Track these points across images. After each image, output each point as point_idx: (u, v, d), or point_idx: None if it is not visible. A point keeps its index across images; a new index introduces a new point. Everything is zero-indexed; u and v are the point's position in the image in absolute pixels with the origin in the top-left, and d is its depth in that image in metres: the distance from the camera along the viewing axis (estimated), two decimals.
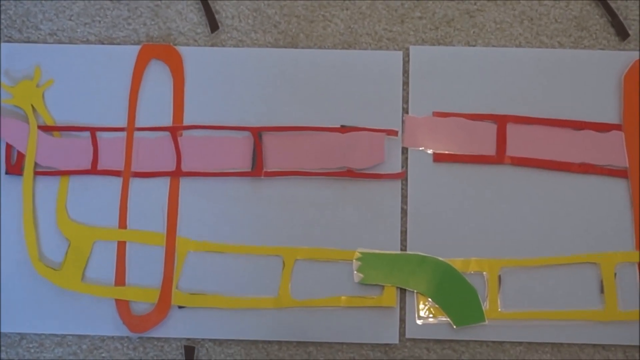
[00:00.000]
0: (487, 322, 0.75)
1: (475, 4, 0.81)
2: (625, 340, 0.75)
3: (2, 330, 0.77)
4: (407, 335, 0.76)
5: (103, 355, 0.77)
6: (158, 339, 0.77)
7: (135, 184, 0.78)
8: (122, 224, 0.78)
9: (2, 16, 0.82)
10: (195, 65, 0.80)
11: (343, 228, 0.77)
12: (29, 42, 0.81)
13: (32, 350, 0.78)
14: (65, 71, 0.80)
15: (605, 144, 0.77)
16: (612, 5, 0.80)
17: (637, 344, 0.75)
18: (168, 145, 0.79)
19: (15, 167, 0.79)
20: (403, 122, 0.79)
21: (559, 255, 0.76)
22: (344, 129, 0.78)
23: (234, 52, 0.80)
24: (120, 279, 0.77)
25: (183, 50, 0.80)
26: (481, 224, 0.77)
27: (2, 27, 0.82)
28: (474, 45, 0.80)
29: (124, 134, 0.79)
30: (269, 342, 0.77)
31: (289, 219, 0.77)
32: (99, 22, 0.82)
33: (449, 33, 0.81)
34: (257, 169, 0.78)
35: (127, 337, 0.77)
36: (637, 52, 0.79)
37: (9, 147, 0.79)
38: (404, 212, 0.77)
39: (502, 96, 0.79)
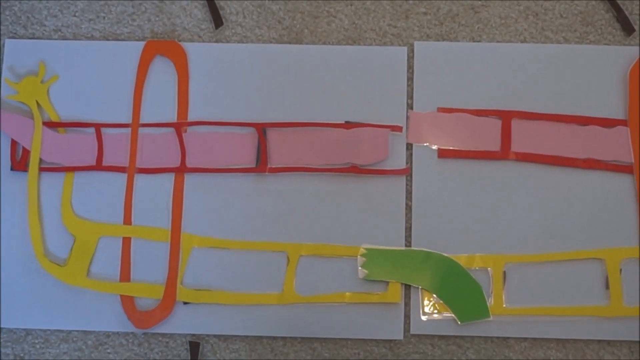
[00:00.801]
0: (491, 318, 0.75)
1: None
2: (630, 335, 0.75)
3: (7, 326, 0.78)
4: (412, 331, 0.76)
5: (108, 351, 0.78)
6: (163, 334, 0.77)
7: (140, 180, 0.79)
8: (127, 220, 0.78)
9: (7, 12, 0.82)
10: (199, 62, 0.80)
11: (347, 224, 0.77)
12: (33, 38, 0.82)
13: (38, 346, 0.78)
14: (70, 67, 0.80)
15: (610, 140, 0.77)
16: (618, 0, 0.80)
17: None
18: (173, 141, 0.79)
19: (20, 164, 0.79)
20: (407, 117, 0.79)
21: (564, 250, 0.76)
22: (348, 124, 0.78)
23: (238, 48, 0.80)
24: (125, 275, 0.77)
25: (187, 46, 0.80)
26: (486, 219, 0.77)
27: (7, 23, 0.82)
28: (478, 41, 0.80)
29: (128, 130, 0.79)
30: (274, 338, 0.77)
31: (293, 215, 0.77)
32: (104, 18, 0.82)
33: (454, 29, 0.81)
34: (261, 164, 0.78)
35: (132, 332, 0.77)
36: None
37: (14, 143, 0.79)
38: (408, 208, 0.77)
39: (506, 92, 0.78)
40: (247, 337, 0.77)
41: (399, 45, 0.80)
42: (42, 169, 0.79)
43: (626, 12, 0.80)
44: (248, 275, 0.77)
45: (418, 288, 0.76)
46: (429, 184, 0.77)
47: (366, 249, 0.76)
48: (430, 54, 0.79)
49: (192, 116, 0.79)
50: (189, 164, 0.78)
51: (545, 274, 0.76)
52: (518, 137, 0.77)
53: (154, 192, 0.78)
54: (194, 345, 0.76)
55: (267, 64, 0.80)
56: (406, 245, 0.77)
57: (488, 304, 0.75)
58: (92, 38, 0.82)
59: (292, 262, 0.77)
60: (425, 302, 0.76)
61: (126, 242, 0.78)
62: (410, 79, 0.79)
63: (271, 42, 0.81)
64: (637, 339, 0.75)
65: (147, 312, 0.76)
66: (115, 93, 0.80)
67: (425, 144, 0.78)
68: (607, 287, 0.75)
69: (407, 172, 0.78)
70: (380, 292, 0.76)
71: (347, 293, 0.76)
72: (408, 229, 0.77)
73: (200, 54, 0.80)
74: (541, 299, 0.75)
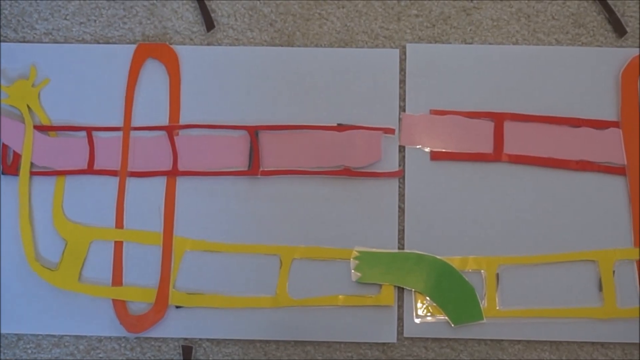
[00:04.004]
0: (485, 320, 0.75)
1: (471, 1, 0.81)
2: (624, 337, 0.75)
3: None
4: (405, 334, 0.76)
5: (100, 355, 0.77)
6: (155, 339, 0.77)
7: (132, 183, 0.78)
8: (119, 224, 0.78)
9: None
10: (191, 64, 0.80)
11: (340, 227, 0.77)
12: (24, 41, 0.81)
13: (30, 351, 0.78)
14: (61, 71, 0.80)
15: (603, 141, 0.77)
16: (610, 2, 0.80)
17: (636, 341, 0.75)
18: (164, 144, 0.79)
19: (11, 167, 0.78)
20: (400, 120, 0.78)
21: (557, 252, 0.76)
22: (341, 127, 0.78)
23: (230, 51, 0.80)
24: (117, 279, 0.77)
25: (179, 49, 0.80)
26: (479, 222, 0.77)
27: None
28: (470, 43, 0.80)
29: (120, 134, 0.79)
30: (267, 341, 0.77)
31: (286, 218, 0.77)
32: (95, 21, 0.82)
33: (446, 31, 0.80)
34: (254, 167, 0.78)
35: (124, 337, 0.77)
36: (635, 49, 0.79)
37: (5, 147, 0.79)
38: (401, 210, 0.77)
39: (499, 94, 0.78)
40: (240, 340, 0.77)
41: (391, 47, 0.80)
42: (33, 173, 0.78)
43: (618, 14, 0.80)
44: (241, 279, 0.77)
45: (411, 291, 0.76)
46: (421, 187, 0.77)
47: (359, 251, 0.76)
48: (422, 56, 0.79)
49: (184, 119, 0.79)
50: (181, 167, 0.78)
51: (538, 276, 0.76)
52: (511, 139, 0.77)
53: (146, 195, 0.78)
54: (187, 349, 0.76)
55: (259, 67, 0.79)
56: (399, 248, 0.77)
57: (481, 306, 0.75)
58: (83, 41, 0.81)
59: (285, 265, 0.76)
60: (419, 304, 0.76)
61: (118, 246, 0.77)
62: (402, 81, 0.79)
63: (263, 45, 0.81)
64: (631, 341, 0.75)
65: (139, 316, 0.76)
66: (106, 96, 0.79)
67: (417, 146, 0.78)
68: (601, 289, 0.75)
69: (400, 175, 0.78)
70: (373, 295, 0.76)
71: (340, 296, 0.76)
72: (401, 231, 0.77)
73: (192, 56, 0.80)
74: (535, 301, 0.75)
